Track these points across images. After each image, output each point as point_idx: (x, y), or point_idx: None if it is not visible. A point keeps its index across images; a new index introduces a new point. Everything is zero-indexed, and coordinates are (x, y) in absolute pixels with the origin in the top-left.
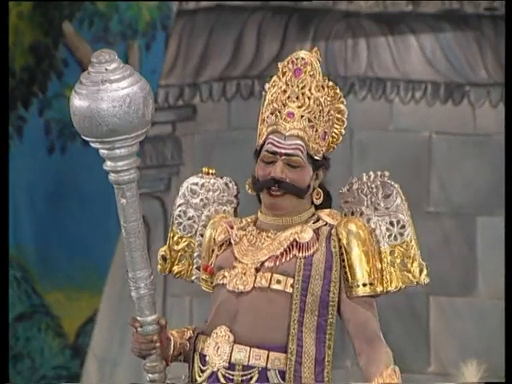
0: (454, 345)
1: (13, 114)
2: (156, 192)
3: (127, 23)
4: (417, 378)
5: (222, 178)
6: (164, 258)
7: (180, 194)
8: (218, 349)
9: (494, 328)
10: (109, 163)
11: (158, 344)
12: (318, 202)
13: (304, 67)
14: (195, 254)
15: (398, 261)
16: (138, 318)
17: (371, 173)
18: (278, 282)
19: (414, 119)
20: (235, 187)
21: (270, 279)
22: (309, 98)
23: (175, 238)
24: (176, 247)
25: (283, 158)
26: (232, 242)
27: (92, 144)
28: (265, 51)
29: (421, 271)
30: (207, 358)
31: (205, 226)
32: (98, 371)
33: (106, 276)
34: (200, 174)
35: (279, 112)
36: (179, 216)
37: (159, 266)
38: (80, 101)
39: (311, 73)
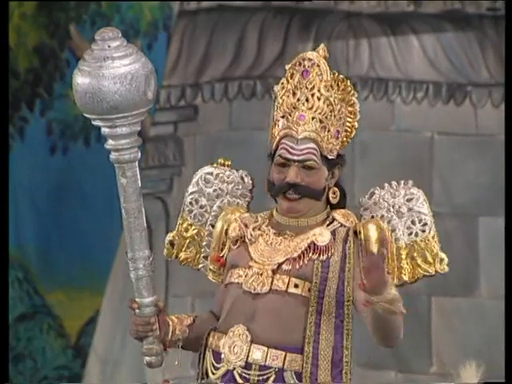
0: (456, 345)
1: (15, 115)
2: (158, 192)
3: (129, 23)
4: (419, 378)
5: (237, 171)
6: (171, 243)
7: (193, 182)
8: (234, 347)
9: (496, 328)
10: (110, 141)
11: (154, 326)
12: (334, 201)
13: (311, 68)
14: (204, 243)
15: (417, 254)
16: (136, 300)
17: (394, 182)
18: (296, 286)
19: (415, 119)
20: (250, 182)
21: (288, 283)
22: (318, 99)
23: (184, 225)
24: (185, 234)
25: (297, 163)
26: (247, 241)
27: (93, 122)
28: (266, 51)
29: (441, 260)
30: (222, 356)
31: (216, 217)
32: (99, 371)
33: (108, 276)
34: (214, 164)
35: (290, 115)
36: (190, 203)
37: (166, 251)
38: (82, 77)
39: (319, 73)
